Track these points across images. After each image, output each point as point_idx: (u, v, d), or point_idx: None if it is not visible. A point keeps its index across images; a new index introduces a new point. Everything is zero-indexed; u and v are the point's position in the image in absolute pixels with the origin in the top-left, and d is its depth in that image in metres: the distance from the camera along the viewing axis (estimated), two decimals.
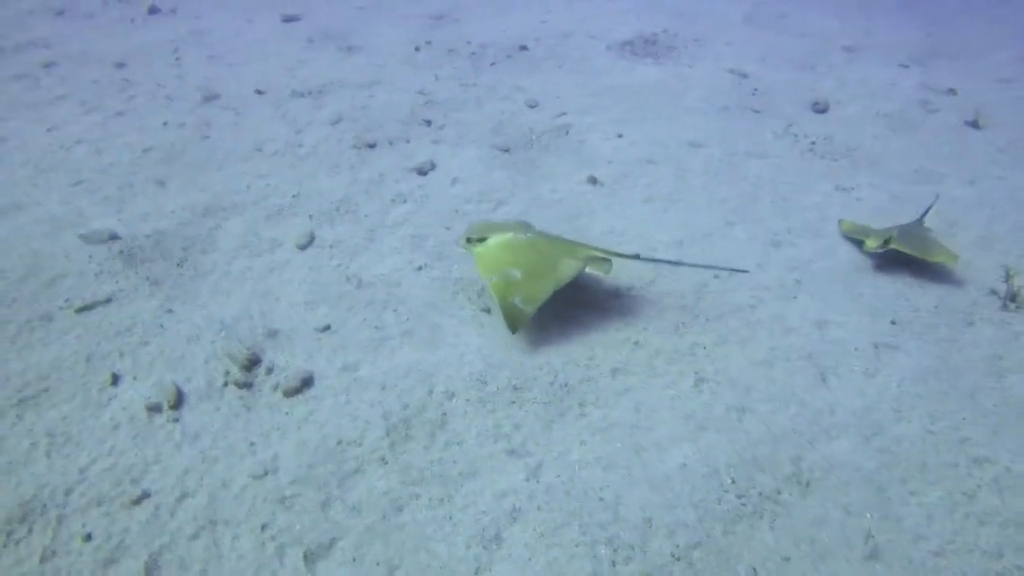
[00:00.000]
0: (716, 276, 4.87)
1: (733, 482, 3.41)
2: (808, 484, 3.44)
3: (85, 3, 9.62)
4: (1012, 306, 4.67)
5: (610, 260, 4.39)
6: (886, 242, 4.95)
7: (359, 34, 9.04)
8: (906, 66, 8.77)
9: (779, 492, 3.39)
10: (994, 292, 4.79)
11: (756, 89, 7.84)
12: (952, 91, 7.96)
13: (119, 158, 5.82)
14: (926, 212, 5.54)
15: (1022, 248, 5.29)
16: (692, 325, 4.43)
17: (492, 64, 8.24)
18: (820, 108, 7.48)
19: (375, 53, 8.42)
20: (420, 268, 4.77)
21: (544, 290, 4.07)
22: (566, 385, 3.91)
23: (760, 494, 3.37)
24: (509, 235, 4.34)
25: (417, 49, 8.57)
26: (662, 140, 6.68)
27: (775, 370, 4.12)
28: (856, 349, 4.31)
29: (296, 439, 3.48)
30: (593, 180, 5.92)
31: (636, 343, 4.25)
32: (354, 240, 5.00)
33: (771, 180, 6.14)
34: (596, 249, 4.45)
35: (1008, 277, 4.74)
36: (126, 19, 9.21)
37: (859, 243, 5.28)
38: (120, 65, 7.69)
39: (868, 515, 3.32)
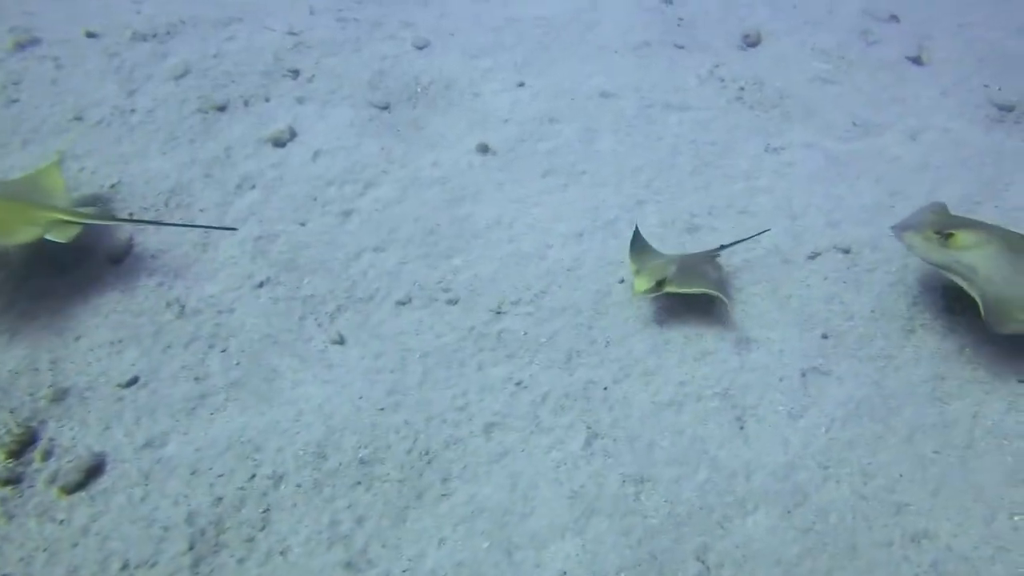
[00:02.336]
0: (621, 281, 4.11)
1: None
2: None
3: None
4: (958, 308, 4.04)
5: (79, 225, 3.75)
6: (659, 283, 3.82)
7: None
8: None
9: None
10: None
11: (681, 19, 6.88)
12: (895, 18, 7.13)
13: None
14: (727, 246, 4.28)
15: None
16: (588, 353, 3.70)
17: None
18: (751, 42, 6.60)
19: None
20: (261, 284, 3.90)
21: None
22: (427, 453, 3.17)
23: None
24: None
25: None
26: (569, 89, 5.77)
27: (684, 415, 3.44)
28: (781, 380, 3.64)
29: (67, 565, 2.69)
30: (484, 148, 5.02)
31: (519, 384, 3.51)
32: (182, 248, 4.07)
33: (692, 140, 5.32)
34: (63, 212, 3.80)
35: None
36: None
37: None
38: None
39: None
